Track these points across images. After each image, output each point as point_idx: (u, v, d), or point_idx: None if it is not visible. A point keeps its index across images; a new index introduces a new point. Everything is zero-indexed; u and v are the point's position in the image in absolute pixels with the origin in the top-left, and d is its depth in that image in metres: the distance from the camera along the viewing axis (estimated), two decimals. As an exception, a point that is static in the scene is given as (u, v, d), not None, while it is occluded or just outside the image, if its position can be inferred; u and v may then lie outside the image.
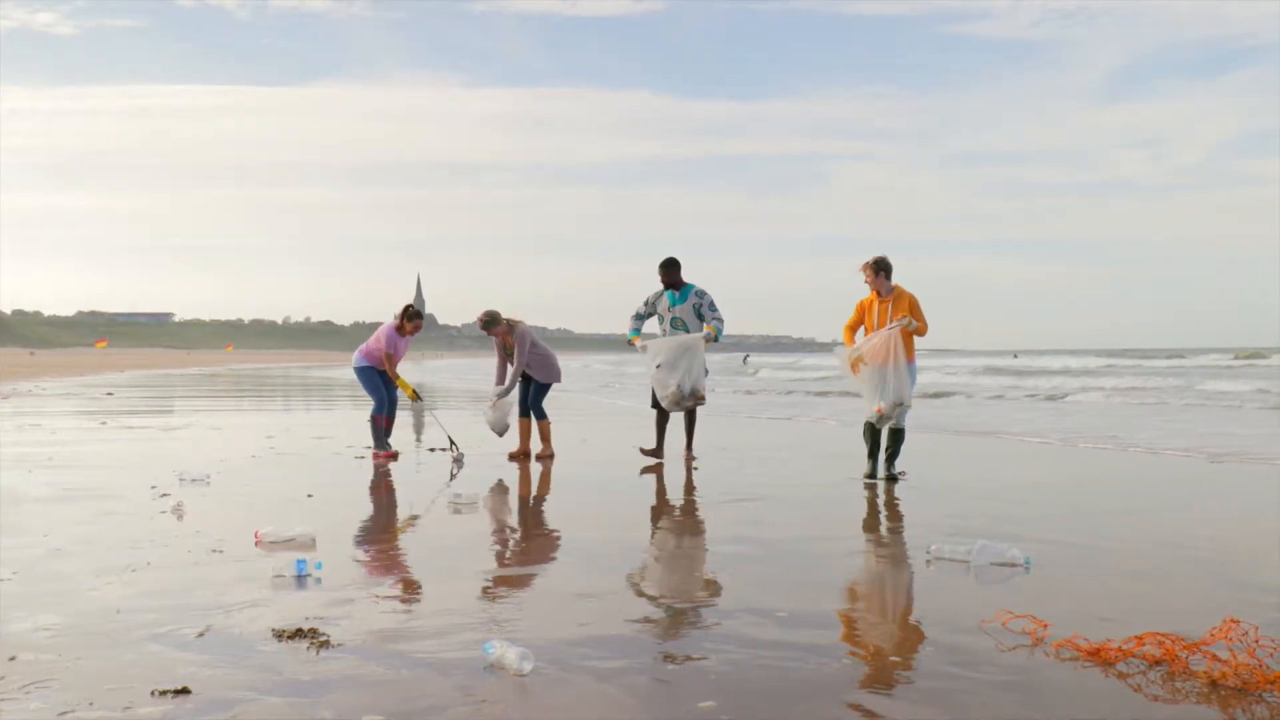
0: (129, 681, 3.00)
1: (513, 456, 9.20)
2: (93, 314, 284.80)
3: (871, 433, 7.67)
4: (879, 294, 7.58)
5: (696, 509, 6.48)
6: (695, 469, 8.47)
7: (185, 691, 2.91)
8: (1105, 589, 4.43)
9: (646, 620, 3.81)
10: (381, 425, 9.38)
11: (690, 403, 8.93)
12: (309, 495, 6.84)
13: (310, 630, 3.54)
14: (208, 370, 45.18)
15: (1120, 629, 3.58)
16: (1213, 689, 3.01)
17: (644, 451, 9.17)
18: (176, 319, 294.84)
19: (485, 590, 4.36)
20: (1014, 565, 4.76)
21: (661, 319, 9.20)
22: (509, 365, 9.41)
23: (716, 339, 8.95)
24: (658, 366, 8.85)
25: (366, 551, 5.14)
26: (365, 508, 6.59)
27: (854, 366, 7.50)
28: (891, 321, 7.40)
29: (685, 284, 9.15)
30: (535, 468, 8.60)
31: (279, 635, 3.49)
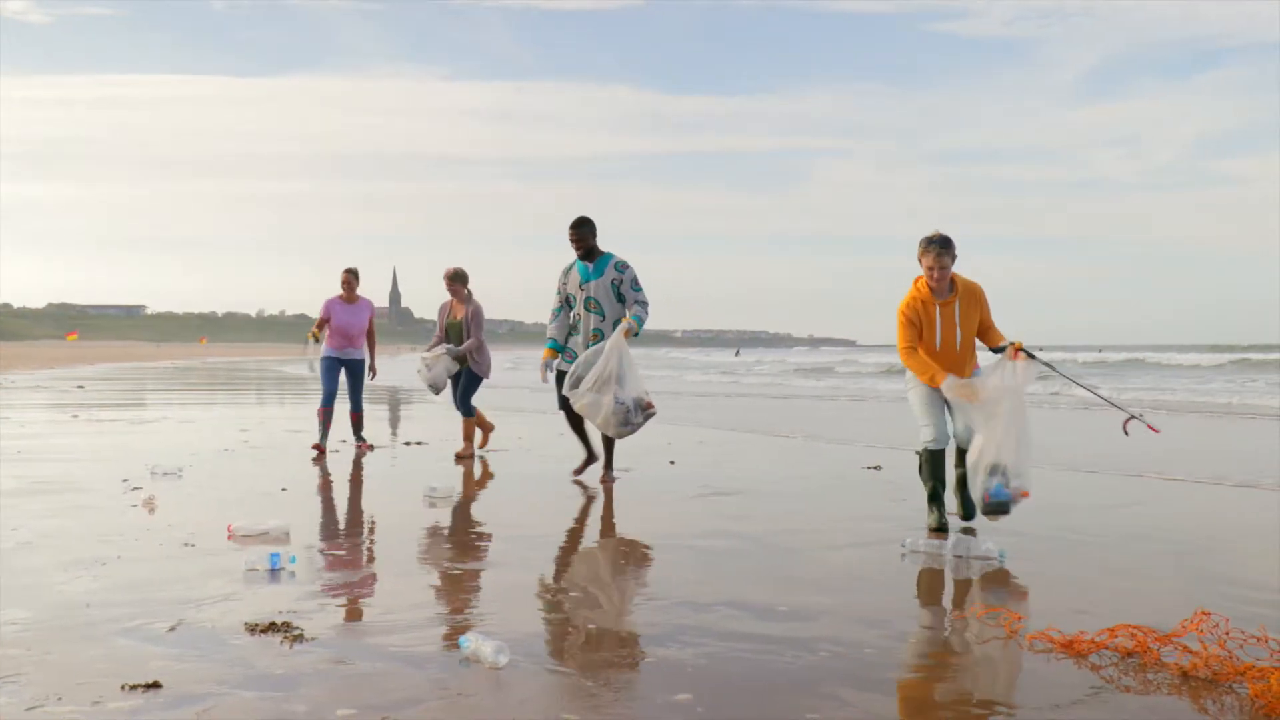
0: (98, 676, 2.96)
1: (459, 456, 8.73)
2: (63, 306, 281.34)
3: (932, 465, 5.50)
4: (934, 294, 5.45)
5: (674, 503, 6.48)
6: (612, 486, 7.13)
7: (156, 686, 2.88)
8: (1079, 582, 4.46)
9: (622, 613, 3.80)
10: (320, 418, 9.06)
11: (640, 418, 6.83)
12: (282, 489, 6.79)
13: (283, 624, 3.51)
14: (180, 364, 44.78)
15: (1093, 621, 3.61)
16: (1184, 680, 3.04)
17: (578, 471, 7.52)
18: (149, 311, 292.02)
19: (461, 584, 4.34)
20: (988, 559, 4.79)
21: (573, 301, 7.25)
22: (440, 340, 8.92)
23: (638, 333, 6.97)
24: (580, 393, 6.80)
25: (340, 545, 5.11)
26: (339, 501, 6.54)
27: (972, 397, 5.19)
28: (959, 328, 5.42)
29: (602, 253, 7.19)
30: (507, 463, 8.57)
31: (251, 629, 3.46)
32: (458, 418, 9.02)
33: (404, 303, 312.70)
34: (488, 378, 9.00)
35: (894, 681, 3.06)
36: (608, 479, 7.21)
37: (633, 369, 6.85)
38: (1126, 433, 5.02)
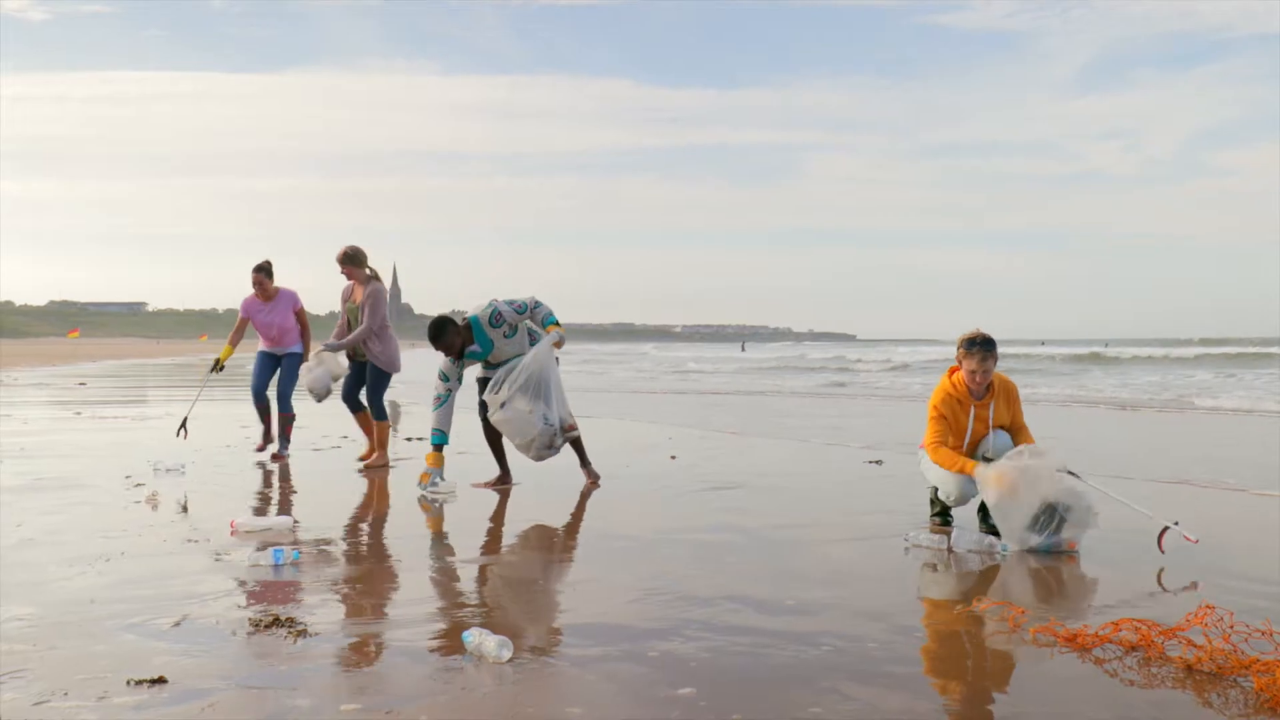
0: (103, 671, 2.97)
1: (371, 466, 7.84)
2: (64, 303, 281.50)
3: (945, 508, 5.48)
4: (971, 394, 5.24)
5: (674, 498, 6.48)
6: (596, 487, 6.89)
7: (161, 681, 2.88)
8: (1081, 576, 4.46)
9: (624, 608, 3.80)
10: (258, 413, 8.51)
11: (562, 440, 6.64)
12: (285, 484, 6.79)
13: (287, 619, 3.52)
14: (180, 360, 44.76)
15: (1096, 615, 3.62)
16: (1188, 673, 3.04)
17: (484, 485, 6.86)
18: (149, 308, 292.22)
19: (463, 579, 4.34)
20: (991, 552, 4.79)
21: (494, 370, 6.69)
22: (341, 332, 7.95)
23: (561, 328, 6.63)
24: (502, 406, 6.44)
25: (343, 540, 5.11)
26: (342, 497, 6.55)
27: (1008, 486, 4.83)
28: (992, 428, 5.26)
29: (467, 326, 6.54)
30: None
31: (255, 624, 3.46)
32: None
33: (404, 298, 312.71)
34: (397, 371, 7.95)
35: (897, 676, 3.06)
36: (591, 476, 6.99)
37: (559, 386, 6.60)
38: (1163, 550, 4.79)
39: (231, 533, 5.08)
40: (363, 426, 8.13)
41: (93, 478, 7.00)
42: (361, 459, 8.02)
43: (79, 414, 13.12)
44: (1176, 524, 4.83)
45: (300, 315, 8.56)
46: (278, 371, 8.46)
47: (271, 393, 8.48)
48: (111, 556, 4.53)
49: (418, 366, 18.31)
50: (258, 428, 8.80)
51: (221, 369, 8.62)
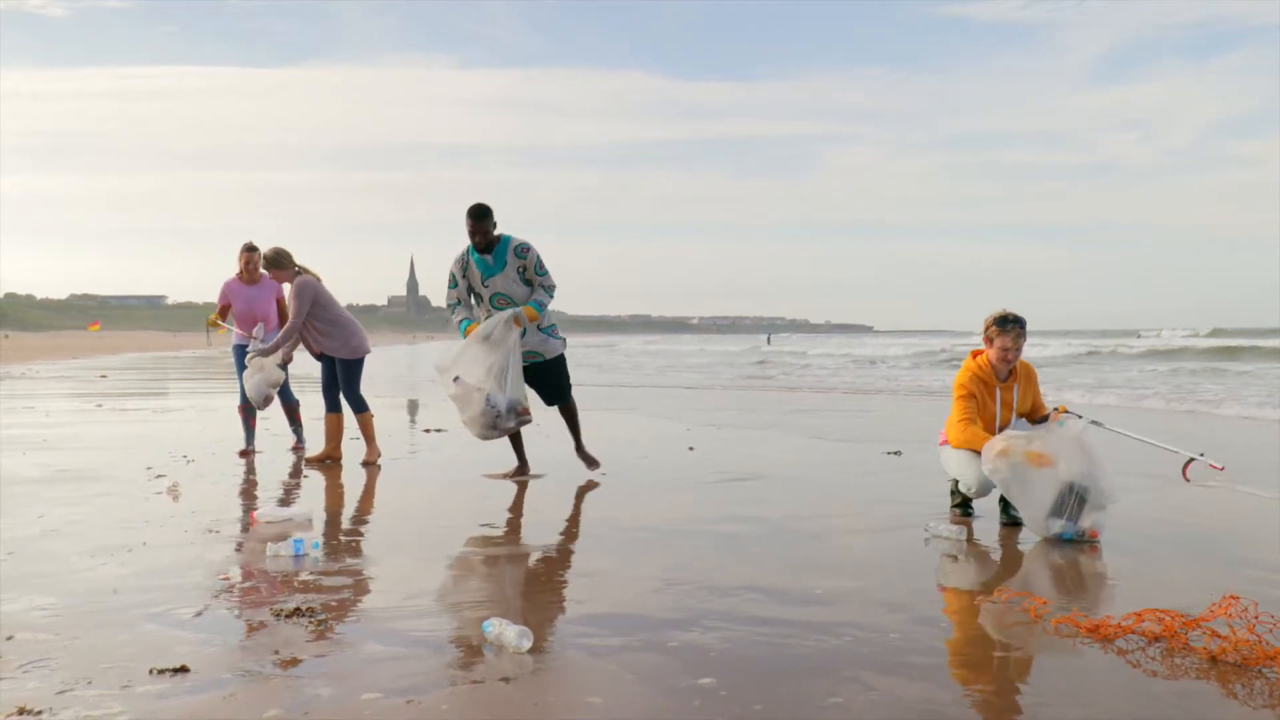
0: (127, 660, 2.99)
1: (311, 461, 7.46)
2: (85, 297, 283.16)
3: (965, 499, 5.45)
4: (997, 373, 5.24)
5: (692, 489, 6.47)
6: (602, 472, 6.91)
7: (184, 670, 2.90)
8: (1103, 566, 4.43)
9: (644, 598, 3.80)
10: (241, 416, 8.00)
11: (512, 423, 6.34)
12: (305, 475, 6.82)
13: (308, 609, 3.53)
14: (200, 353, 45.02)
15: (1119, 606, 3.59)
16: (1212, 664, 3.01)
17: (499, 476, 6.81)
18: (169, 301, 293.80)
19: (483, 569, 4.35)
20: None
21: (479, 300, 6.63)
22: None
23: (538, 316, 6.45)
24: (455, 379, 6.29)
25: (363, 531, 5.13)
26: (362, 487, 6.57)
27: (1039, 461, 4.80)
28: (1014, 412, 5.26)
29: (499, 238, 6.49)
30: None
31: (277, 614, 3.48)
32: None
33: (421, 291, 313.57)
34: (367, 353, 7.54)
35: (918, 666, 3.04)
36: (588, 459, 6.87)
37: (516, 365, 6.31)
38: (1188, 478, 4.82)
39: (252, 523, 5.11)
40: (331, 429, 7.48)
41: (114, 469, 7.05)
42: (309, 460, 7.49)
43: (100, 406, 13.21)
44: (1202, 455, 4.85)
45: (282, 304, 8.14)
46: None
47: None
48: (133, 547, 4.56)
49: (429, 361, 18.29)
50: (278, 420, 8.83)
51: (218, 327, 8.24)
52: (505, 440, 6.75)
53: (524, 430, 6.75)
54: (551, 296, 6.55)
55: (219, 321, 8.20)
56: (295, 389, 8.35)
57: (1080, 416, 5.17)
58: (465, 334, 6.44)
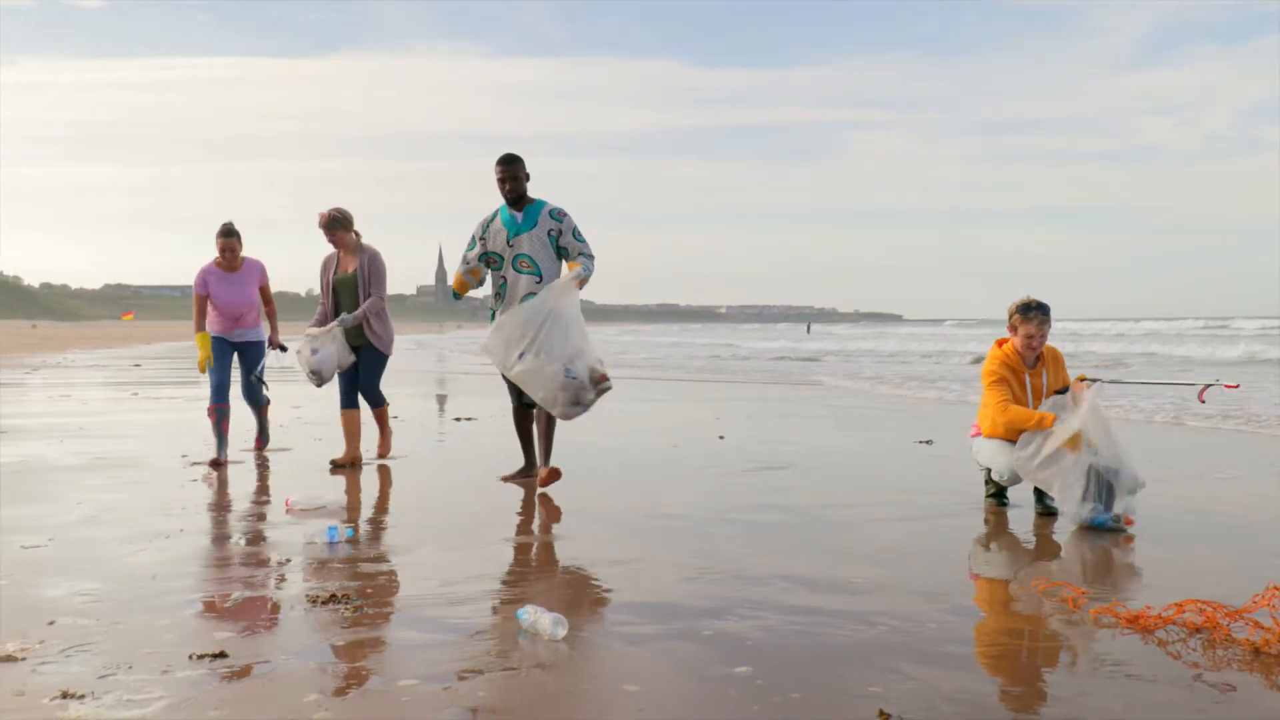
0: (166, 645, 3.02)
1: (338, 465, 6.77)
2: (119, 287, 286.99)
3: (1000, 488, 5.44)
4: (1024, 360, 5.23)
5: (723, 477, 6.45)
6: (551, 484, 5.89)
7: (222, 655, 2.92)
8: (1140, 556, 4.38)
9: (677, 587, 3.79)
10: (212, 419, 6.97)
11: (593, 394, 5.63)
12: (338, 463, 6.86)
13: (343, 595, 3.55)
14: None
15: (1158, 596, 3.54)
16: (1255, 656, 2.97)
17: (507, 479, 6.29)
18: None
19: (517, 557, 4.36)
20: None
21: (499, 261, 5.94)
22: (327, 311, 6.90)
23: (583, 281, 5.77)
24: (519, 356, 5.54)
25: (397, 518, 5.15)
26: (395, 475, 6.60)
27: (1075, 443, 4.86)
28: (1043, 398, 5.20)
29: (532, 200, 5.92)
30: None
31: (312, 601, 3.50)
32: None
33: (450, 280, 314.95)
34: (389, 354, 7.06)
35: (955, 656, 3.02)
36: (546, 474, 5.81)
37: (583, 330, 5.63)
38: (1203, 400, 5.34)
39: (287, 511, 5.15)
40: (350, 428, 6.93)
41: (150, 457, 7.13)
42: (334, 465, 6.78)
43: (136, 395, 13.36)
44: (1217, 380, 5.31)
45: (265, 292, 7.44)
46: (243, 363, 7.36)
47: (237, 391, 7.36)
48: (171, 534, 4.60)
49: (464, 351, 18.36)
50: (311, 407, 8.89)
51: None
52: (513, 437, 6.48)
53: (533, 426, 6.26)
54: (594, 266, 5.85)
55: (210, 358, 7.12)
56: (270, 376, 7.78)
57: (1099, 380, 5.34)
58: (456, 280, 6.04)
